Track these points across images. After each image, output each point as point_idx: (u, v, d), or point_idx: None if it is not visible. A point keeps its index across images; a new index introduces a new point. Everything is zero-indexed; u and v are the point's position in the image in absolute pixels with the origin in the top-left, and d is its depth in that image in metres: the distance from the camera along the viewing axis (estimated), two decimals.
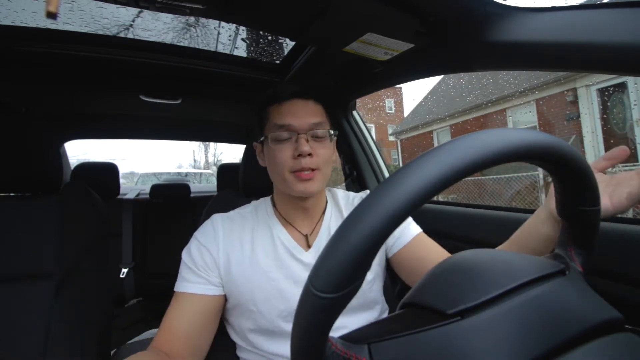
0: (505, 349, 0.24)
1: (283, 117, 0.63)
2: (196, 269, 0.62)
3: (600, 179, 0.51)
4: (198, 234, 0.67)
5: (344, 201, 0.76)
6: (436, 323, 0.26)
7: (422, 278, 0.33)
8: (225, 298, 0.65)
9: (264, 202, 0.73)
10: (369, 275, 0.70)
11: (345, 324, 0.64)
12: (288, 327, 0.62)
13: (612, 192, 0.47)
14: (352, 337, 0.28)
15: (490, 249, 0.37)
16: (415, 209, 0.23)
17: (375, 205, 0.23)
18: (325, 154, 0.64)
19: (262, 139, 0.67)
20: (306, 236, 0.69)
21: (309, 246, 0.68)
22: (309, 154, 0.61)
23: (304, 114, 0.63)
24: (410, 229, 0.73)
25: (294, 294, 0.63)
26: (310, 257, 0.66)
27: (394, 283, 0.96)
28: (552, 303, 0.27)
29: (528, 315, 0.26)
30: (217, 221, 0.68)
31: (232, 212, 0.72)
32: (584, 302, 0.28)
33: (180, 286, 0.62)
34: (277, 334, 0.62)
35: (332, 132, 0.66)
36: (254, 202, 0.75)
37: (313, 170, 0.62)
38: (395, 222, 0.23)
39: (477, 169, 0.24)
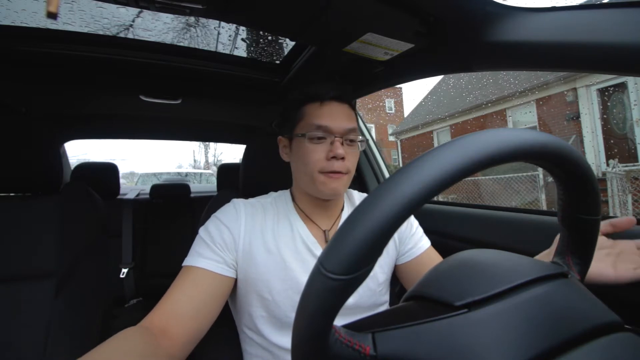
0: (510, 342, 0.24)
1: (322, 117, 0.63)
2: (213, 245, 0.61)
3: (603, 244, 0.52)
4: (219, 213, 0.65)
5: (359, 201, 0.76)
6: (443, 314, 0.26)
7: (427, 273, 0.34)
8: (235, 282, 0.64)
9: (284, 195, 0.73)
10: (382, 277, 0.70)
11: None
12: None
13: (615, 261, 0.47)
14: (356, 326, 0.28)
15: (493, 249, 0.37)
16: (432, 196, 0.23)
17: (392, 191, 0.23)
18: (354, 159, 0.66)
19: (288, 135, 0.68)
20: (325, 232, 0.69)
21: (326, 241, 0.68)
22: (342, 158, 0.61)
23: (342, 118, 0.64)
24: (423, 241, 0.75)
25: None
26: None
27: (393, 284, 0.96)
28: (556, 302, 0.27)
29: (533, 312, 0.26)
30: (240, 205, 0.67)
31: (252, 200, 0.71)
32: (585, 304, 0.29)
33: (191, 260, 0.59)
34: (288, 325, 0.62)
35: (361, 138, 0.68)
36: (272, 194, 0.74)
37: (344, 173, 0.63)
38: (411, 208, 0.22)
39: (495, 163, 0.24)
